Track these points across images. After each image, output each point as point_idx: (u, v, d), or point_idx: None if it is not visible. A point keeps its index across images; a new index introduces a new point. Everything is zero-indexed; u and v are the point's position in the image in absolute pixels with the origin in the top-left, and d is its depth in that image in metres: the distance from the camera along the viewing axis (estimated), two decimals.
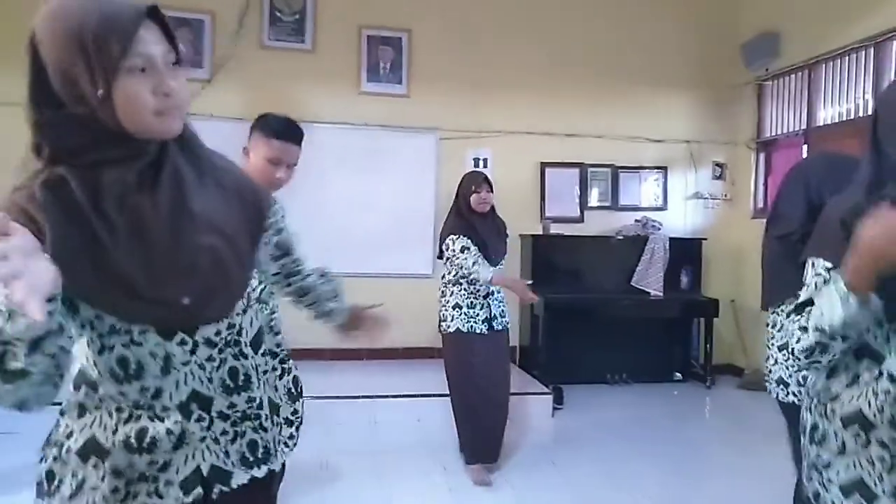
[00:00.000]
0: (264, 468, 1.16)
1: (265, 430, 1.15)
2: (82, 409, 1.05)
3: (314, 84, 5.05)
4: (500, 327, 3.36)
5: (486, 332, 3.29)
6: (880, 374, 1.19)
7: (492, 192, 3.33)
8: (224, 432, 1.10)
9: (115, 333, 0.98)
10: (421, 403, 3.95)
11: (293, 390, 1.79)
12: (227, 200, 1.07)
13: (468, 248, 3.22)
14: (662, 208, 5.65)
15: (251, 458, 1.14)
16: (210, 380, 1.06)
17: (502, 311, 3.39)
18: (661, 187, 5.67)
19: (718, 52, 5.62)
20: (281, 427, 1.27)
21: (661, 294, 5.15)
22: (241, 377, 1.10)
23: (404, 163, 5.18)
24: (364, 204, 5.11)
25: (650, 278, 5.18)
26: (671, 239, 5.30)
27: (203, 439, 1.07)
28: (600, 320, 5.15)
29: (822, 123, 4.89)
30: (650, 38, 5.55)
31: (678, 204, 5.70)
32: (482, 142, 5.31)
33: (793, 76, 5.15)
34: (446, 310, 3.33)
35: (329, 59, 5.09)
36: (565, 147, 5.45)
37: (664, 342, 5.40)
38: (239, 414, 1.11)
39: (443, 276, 3.41)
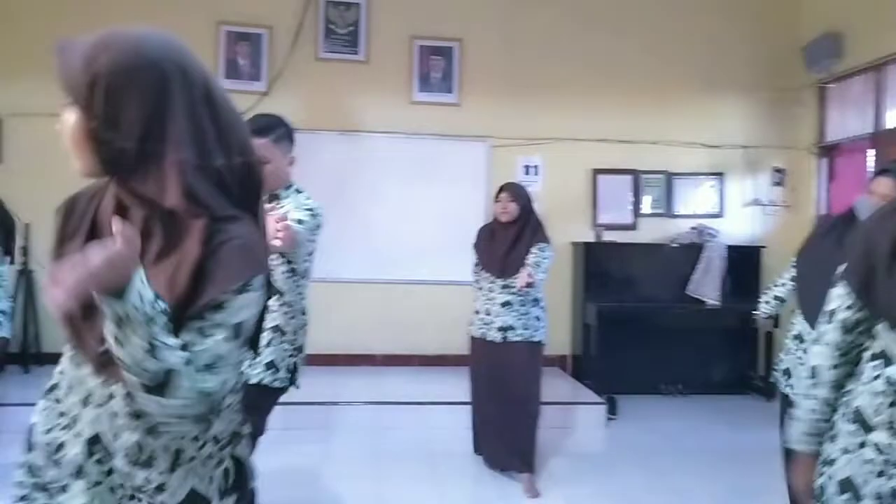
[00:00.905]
0: None
1: None
2: None
3: (367, 94, 5.14)
4: (516, 339, 3.26)
5: (500, 341, 3.27)
6: (879, 375, 1.22)
7: (514, 201, 3.30)
8: (120, 486, 0.98)
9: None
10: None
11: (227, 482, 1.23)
12: (182, 275, 0.94)
13: (475, 264, 3.47)
14: (719, 215, 5.50)
15: None
16: (115, 436, 0.97)
17: (525, 324, 3.28)
18: (717, 194, 5.53)
19: (778, 54, 5.46)
20: None
21: (718, 303, 5.02)
22: (145, 454, 0.97)
23: (455, 171, 5.21)
24: (415, 212, 5.16)
25: (706, 287, 5.05)
26: (728, 247, 5.17)
27: (98, 484, 0.97)
28: (654, 329, 5.05)
29: (891, 127, 4.68)
30: (706, 39, 5.43)
31: (735, 211, 5.55)
32: (533, 149, 5.30)
33: (858, 78, 4.95)
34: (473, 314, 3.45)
35: (381, 70, 5.18)
36: (618, 153, 5.38)
37: (721, 353, 5.24)
38: (132, 490, 0.98)
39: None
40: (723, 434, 4.28)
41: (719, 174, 5.52)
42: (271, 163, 2.07)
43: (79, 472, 0.97)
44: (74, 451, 0.98)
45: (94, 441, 0.97)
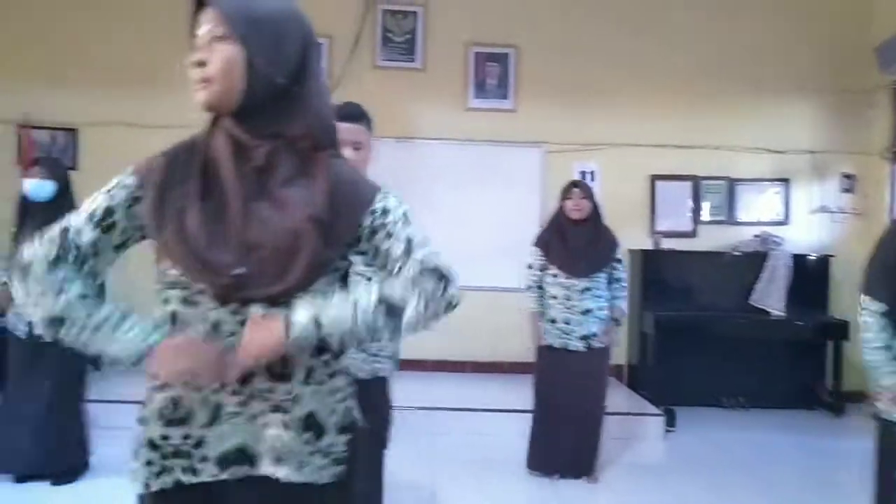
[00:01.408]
0: (283, 469, 1.05)
1: (288, 430, 1.05)
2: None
3: (422, 101, 5.18)
4: (598, 345, 3.25)
5: (584, 350, 3.23)
6: None
7: (587, 198, 3.28)
8: (262, 413, 1.05)
9: (176, 287, 1.04)
10: (525, 418, 3.92)
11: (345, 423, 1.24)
12: (319, 194, 1.06)
13: (531, 267, 3.34)
14: (784, 223, 5.31)
15: (273, 455, 1.05)
16: None
17: (595, 331, 3.26)
18: (782, 200, 5.34)
19: (847, 55, 5.24)
20: (313, 452, 1.08)
21: (784, 314, 4.84)
22: (281, 366, 1.05)
23: (510, 177, 5.19)
24: (469, 218, 5.16)
25: (771, 297, 4.88)
26: (794, 255, 4.98)
27: (237, 415, 1.04)
28: (715, 340, 4.90)
29: None
30: (771, 40, 5.26)
31: (801, 218, 5.34)
32: (589, 155, 5.24)
33: None
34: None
35: (437, 77, 5.21)
36: (677, 159, 5.26)
37: (787, 365, 5.04)
38: (273, 404, 1.05)
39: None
40: (787, 450, 4.11)
41: (784, 180, 5.33)
42: (363, 149, 2.03)
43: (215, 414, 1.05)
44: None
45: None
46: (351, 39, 5.12)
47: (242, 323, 1.02)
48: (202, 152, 1.08)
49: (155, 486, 1.05)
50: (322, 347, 1.05)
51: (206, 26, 1.04)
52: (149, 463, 1.05)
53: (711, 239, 5.28)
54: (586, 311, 3.23)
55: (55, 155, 4.79)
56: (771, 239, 5.08)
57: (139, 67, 4.83)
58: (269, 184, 1.05)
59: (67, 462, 3.12)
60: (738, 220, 5.33)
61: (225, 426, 1.04)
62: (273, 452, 1.05)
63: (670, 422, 4.26)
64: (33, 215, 2.91)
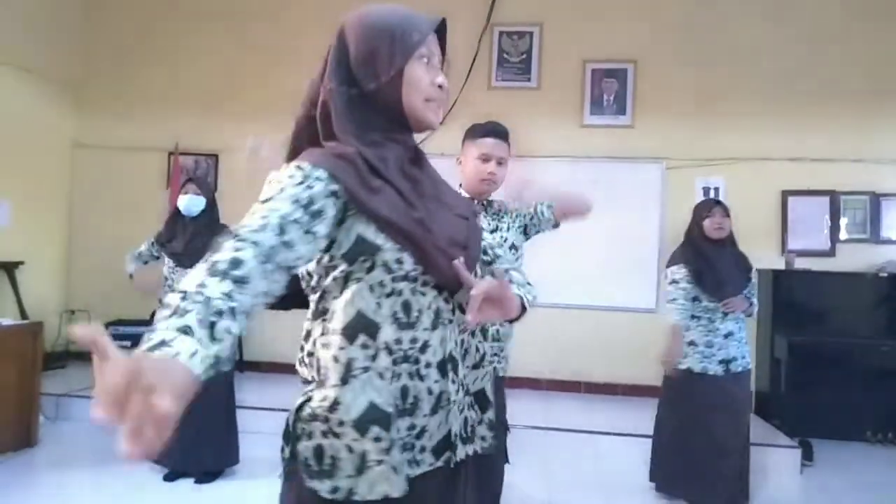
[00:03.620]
0: (468, 448, 1.11)
1: (472, 410, 1.15)
2: (347, 373, 1.01)
3: (538, 119, 5.19)
4: (738, 370, 3.10)
5: (722, 374, 3.07)
6: None
7: (728, 217, 3.14)
8: (463, 400, 1.11)
9: (406, 280, 1.05)
10: (643, 443, 3.79)
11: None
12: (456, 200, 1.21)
13: (677, 282, 3.11)
14: None
15: (465, 435, 1.11)
16: (457, 343, 1.10)
17: (743, 353, 3.12)
18: None
19: None
20: (483, 423, 1.18)
21: None
22: (476, 354, 1.16)
23: (628, 194, 5.07)
24: (587, 235, 5.05)
25: None
26: None
27: (453, 402, 1.07)
28: (856, 368, 4.50)
29: None
30: None
31: None
32: (713, 170, 5.02)
33: None
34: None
35: (553, 95, 5.21)
36: (812, 173, 4.92)
37: None
38: (466, 389, 1.12)
39: None
40: None
41: None
42: (504, 165, 2.27)
43: (438, 402, 1.08)
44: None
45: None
46: (468, 61, 5.24)
47: (453, 310, 1.10)
48: (396, 157, 1.11)
49: (397, 491, 1.01)
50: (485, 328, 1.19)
51: (437, 53, 1.15)
52: (380, 462, 1.00)
53: (852, 259, 4.88)
54: (728, 335, 3.09)
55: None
56: None
57: (265, 95, 5.22)
58: (434, 187, 1.17)
59: (213, 462, 3.34)
60: (884, 239, 4.89)
61: (440, 414, 1.07)
62: (464, 432, 1.11)
63: (807, 455, 3.95)
64: (184, 227, 3.32)
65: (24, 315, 4.82)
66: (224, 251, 0.87)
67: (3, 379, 3.56)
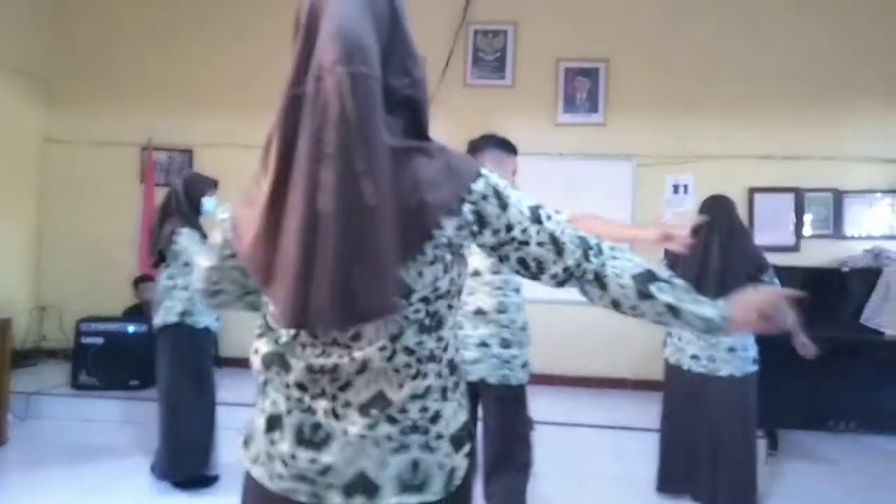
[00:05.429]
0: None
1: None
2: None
3: (512, 117, 5.24)
4: (720, 373, 3.18)
5: (697, 371, 3.14)
6: None
7: None
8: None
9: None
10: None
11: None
12: None
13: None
14: None
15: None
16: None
17: (727, 358, 3.20)
18: (895, 213, 5.01)
19: None
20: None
21: None
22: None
23: (600, 191, 5.15)
24: None
25: (885, 316, 4.57)
26: None
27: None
28: (820, 360, 4.63)
29: None
30: (881, 42, 4.98)
31: None
32: (683, 167, 5.13)
33: None
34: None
35: (527, 93, 5.28)
36: (778, 170, 5.06)
37: None
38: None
39: None
40: None
41: None
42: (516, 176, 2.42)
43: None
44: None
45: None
46: (443, 59, 5.28)
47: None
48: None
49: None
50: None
51: None
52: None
53: (815, 254, 5.02)
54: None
55: (172, 173, 5.28)
56: (885, 254, 4.77)
57: (241, 91, 5.21)
58: None
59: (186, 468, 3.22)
60: (846, 235, 5.04)
61: None
62: None
63: (772, 444, 4.07)
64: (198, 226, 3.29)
65: None
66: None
67: None
